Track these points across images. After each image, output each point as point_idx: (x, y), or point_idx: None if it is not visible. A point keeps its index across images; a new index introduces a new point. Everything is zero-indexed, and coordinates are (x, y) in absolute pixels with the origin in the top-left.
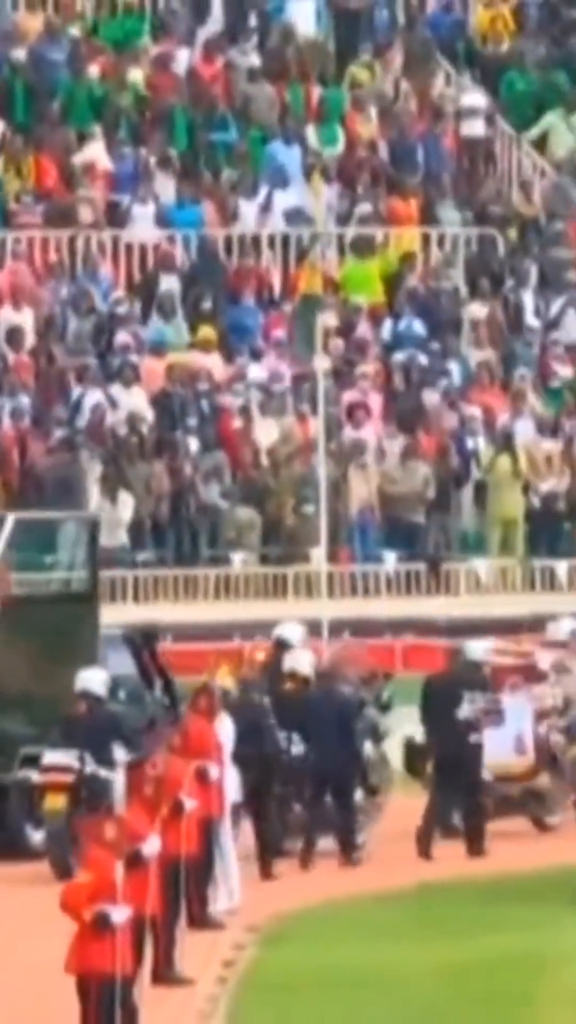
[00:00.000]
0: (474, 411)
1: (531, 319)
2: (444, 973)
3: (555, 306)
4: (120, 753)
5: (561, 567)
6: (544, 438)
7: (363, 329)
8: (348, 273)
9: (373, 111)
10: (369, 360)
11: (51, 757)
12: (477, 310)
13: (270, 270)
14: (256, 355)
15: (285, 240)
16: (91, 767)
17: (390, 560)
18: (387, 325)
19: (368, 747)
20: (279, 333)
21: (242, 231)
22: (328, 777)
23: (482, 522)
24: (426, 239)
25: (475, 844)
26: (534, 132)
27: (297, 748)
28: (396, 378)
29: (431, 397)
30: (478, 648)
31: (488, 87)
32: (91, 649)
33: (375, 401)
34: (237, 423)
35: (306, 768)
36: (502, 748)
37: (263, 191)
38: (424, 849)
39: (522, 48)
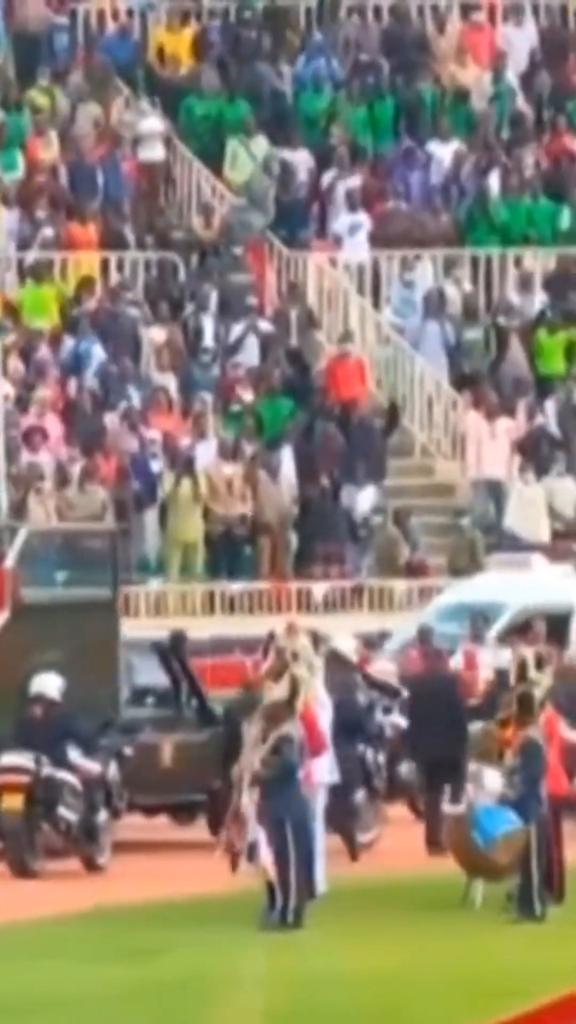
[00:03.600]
0: (154, 435)
1: (211, 343)
2: (117, 995)
3: (235, 330)
4: (75, 755)
5: (239, 590)
6: (225, 462)
7: (43, 353)
8: (26, 297)
9: (54, 136)
10: (49, 384)
11: (8, 759)
12: (156, 334)
13: None
14: None
15: None
16: (47, 769)
17: None
18: (67, 348)
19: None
20: None
21: None
22: None
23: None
24: (105, 264)
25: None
26: (214, 157)
27: None
28: (76, 401)
29: (111, 420)
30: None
31: (168, 112)
32: (110, 658)
33: (55, 424)
34: None
35: None
36: None
37: None
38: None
39: (201, 73)
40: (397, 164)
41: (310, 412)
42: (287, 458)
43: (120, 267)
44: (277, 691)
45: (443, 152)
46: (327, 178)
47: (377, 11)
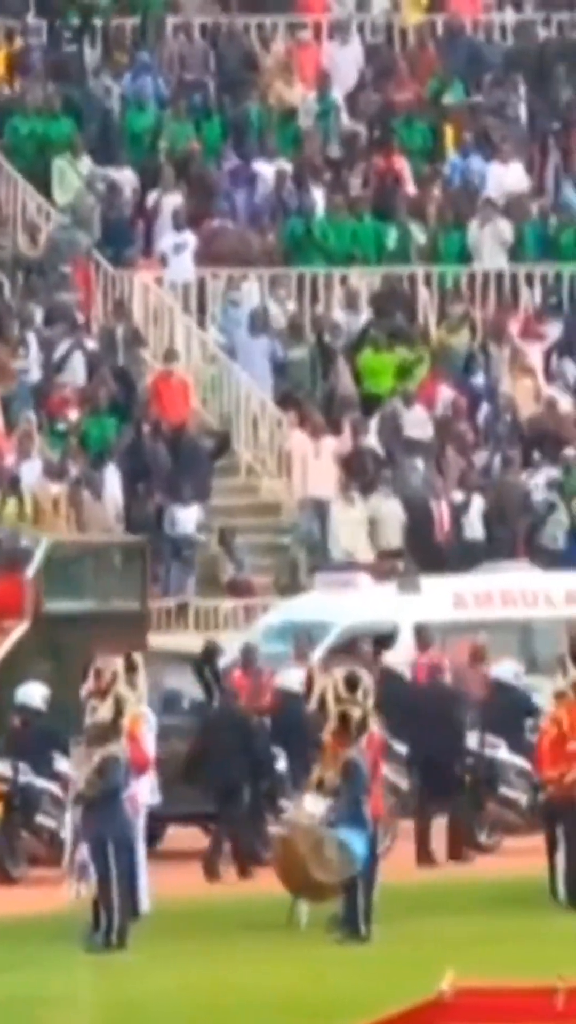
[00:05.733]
0: None
1: (36, 361)
2: None
3: (60, 348)
4: (62, 764)
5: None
6: (51, 481)
7: None
8: None
9: None
10: None
11: None
12: None
13: None
14: None
15: None
16: (26, 777)
17: None
18: None
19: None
20: None
21: None
22: None
23: None
24: None
25: None
26: (39, 176)
27: (283, 763)
28: None
29: None
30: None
31: None
32: None
33: None
34: None
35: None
36: None
37: None
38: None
39: (25, 91)
40: (223, 182)
41: (135, 430)
42: (112, 477)
43: None
44: (101, 711)
45: (269, 170)
46: (152, 197)
47: (203, 29)
